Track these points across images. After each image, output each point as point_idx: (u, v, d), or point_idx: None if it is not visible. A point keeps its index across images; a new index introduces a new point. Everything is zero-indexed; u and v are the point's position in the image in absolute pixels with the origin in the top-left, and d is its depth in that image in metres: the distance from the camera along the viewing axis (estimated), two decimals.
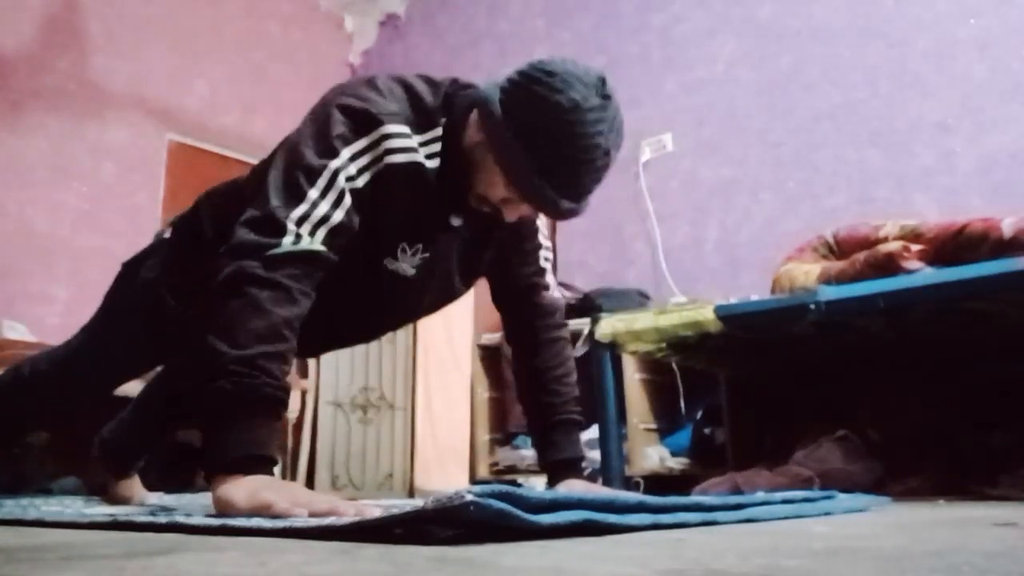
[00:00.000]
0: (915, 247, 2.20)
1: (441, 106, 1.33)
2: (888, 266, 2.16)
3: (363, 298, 1.38)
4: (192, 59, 4.84)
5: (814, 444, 2.35)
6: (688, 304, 2.60)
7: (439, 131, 1.31)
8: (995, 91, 3.07)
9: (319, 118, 1.27)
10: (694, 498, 1.14)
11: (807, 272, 2.37)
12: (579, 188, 1.26)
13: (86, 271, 4.03)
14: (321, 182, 1.20)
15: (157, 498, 1.87)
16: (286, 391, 1.11)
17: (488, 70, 5.08)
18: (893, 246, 2.20)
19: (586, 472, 1.58)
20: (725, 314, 2.30)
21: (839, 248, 2.47)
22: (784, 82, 3.61)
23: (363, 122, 1.25)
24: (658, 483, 2.96)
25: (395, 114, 1.27)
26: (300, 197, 1.19)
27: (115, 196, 4.37)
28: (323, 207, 1.19)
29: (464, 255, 1.45)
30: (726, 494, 1.87)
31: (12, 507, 1.49)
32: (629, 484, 2.80)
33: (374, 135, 1.24)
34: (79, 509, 1.42)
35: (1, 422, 1.67)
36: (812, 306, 2.14)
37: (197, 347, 1.12)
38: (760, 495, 1.28)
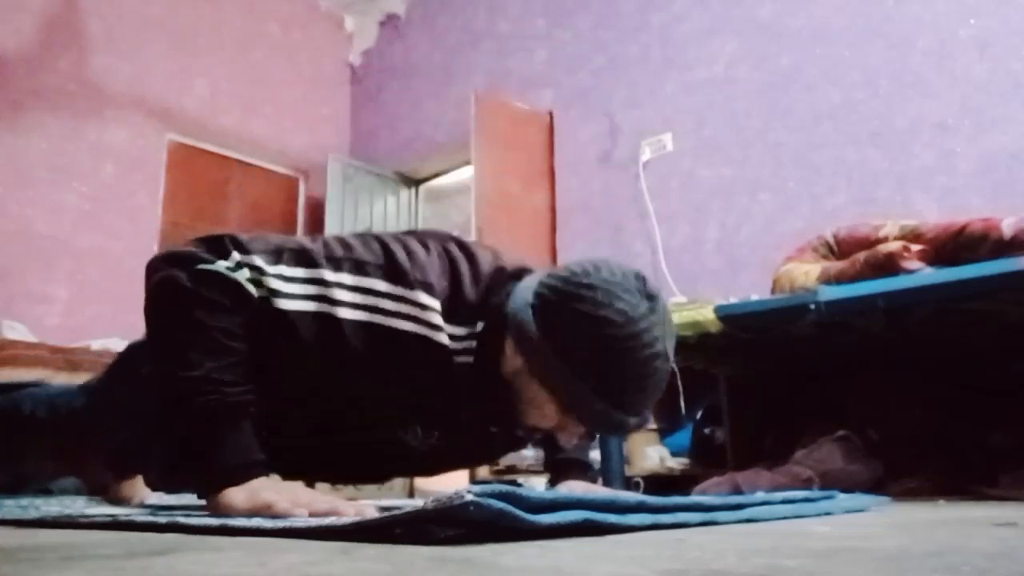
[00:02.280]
0: (915, 247, 2.20)
1: (480, 304, 1.19)
2: (888, 266, 2.16)
3: (377, 453, 1.31)
4: (192, 59, 4.85)
5: (814, 444, 2.35)
6: (688, 304, 2.60)
7: (476, 329, 1.18)
8: (995, 91, 3.07)
9: (358, 238, 1.18)
10: (694, 498, 1.14)
11: (807, 272, 2.37)
12: (645, 403, 1.14)
13: (86, 271, 4.03)
14: (300, 270, 1.11)
15: (157, 498, 1.87)
16: (247, 391, 1.08)
17: (488, 70, 5.11)
18: (893, 246, 2.20)
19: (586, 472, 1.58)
20: (725, 314, 2.30)
21: (839, 248, 2.47)
22: (784, 82, 3.61)
23: (399, 276, 1.13)
24: (658, 483, 2.95)
25: (434, 290, 1.14)
26: (273, 259, 1.11)
27: (115, 196, 4.37)
28: (277, 282, 1.10)
29: (486, 435, 1.34)
30: (726, 494, 1.87)
31: (12, 507, 1.48)
32: (629, 484, 2.80)
33: (405, 293, 1.12)
34: (79, 509, 1.42)
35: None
36: (812, 306, 2.14)
37: (153, 374, 1.11)
38: (760, 495, 1.28)
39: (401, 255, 1.15)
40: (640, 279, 1.13)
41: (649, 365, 1.10)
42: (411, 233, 1.25)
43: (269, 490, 1.01)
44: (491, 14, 4.93)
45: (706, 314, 2.32)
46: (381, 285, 1.12)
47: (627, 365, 1.09)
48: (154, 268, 1.13)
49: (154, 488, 1.91)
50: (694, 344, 2.50)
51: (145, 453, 1.83)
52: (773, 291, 2.45)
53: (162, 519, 0.95)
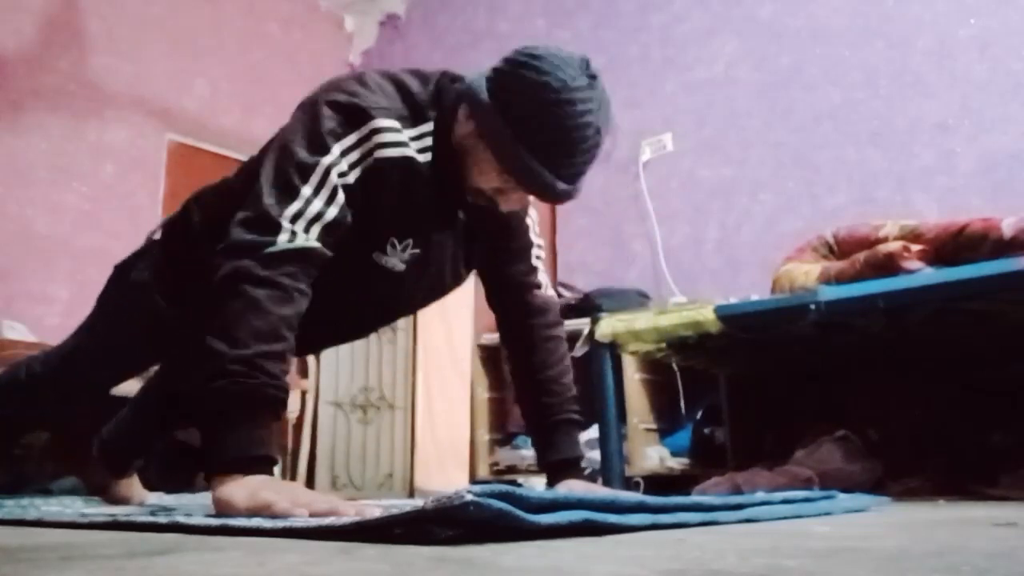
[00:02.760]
0: (915, 247, 2.20)
1: (431, 100, 1.32)
2: (888, 266, 2.16)
3: (352, 292, 1.37)
4: (192, 59, 4.85)
5: (814, 444, 2.36)
6: (688, 304, 2.60)
7: (430, 125, 1.30)
8: (995, 91, 3.07)
9: (308, 114, 1.27)
10: (694, 498, 1.14)
11: (807, 272, 2.37)
12: (573, 168, 1.25)
13: (86, 271, 4.03)
14: (314, 179, 1.20)
15: (157, 498, 1.87)
16: (285, 390, 1.11)
17: None
18: (893, 246, 2.20)
19: (586, 472, 1.57)
20: (725, 314, 2.30)
21: (839, 248, 2.47)
22: (784, 82, 3.61)
23: (352, 117, 1.24)
24: (658, 483, 2.95)
25: (385, 108, 1.26)
26: (293, 194, 1.19)
27: (115, 196, 4.37)
28: (317, 204, 1.19)
29: (456, 250, 1.44)
30: (726, 494, 1.87)
31: (12, 507, 1.48)
32: (629, 484, 2.80)
33: (364, 130, 1.24)
34: (79, 509, 1.42)
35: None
36: (812, 306, 2.14)
37: (196, 347, 1.12)
38: (760, 495, 1.28)
39: (346, 100, 1.25)
40: (584, 61, 1.24)
41: (581, 131, 1.21)
42: (346, 79, 1.34)
43: (269, 490, 1.01)
44: (491, 14, 4.93)
45: (706, 314, 2.32)
46: (353, 137, 1.24)
47: (560, 128, 1.20)
48: (215, 265, 1.16)
49: (154, 488, 1.91)
50: (694, 344, 2.50)
51: (145, 453, 1.84)
52: (773, 291, 2.45)
53: (162, 519, 0.95)
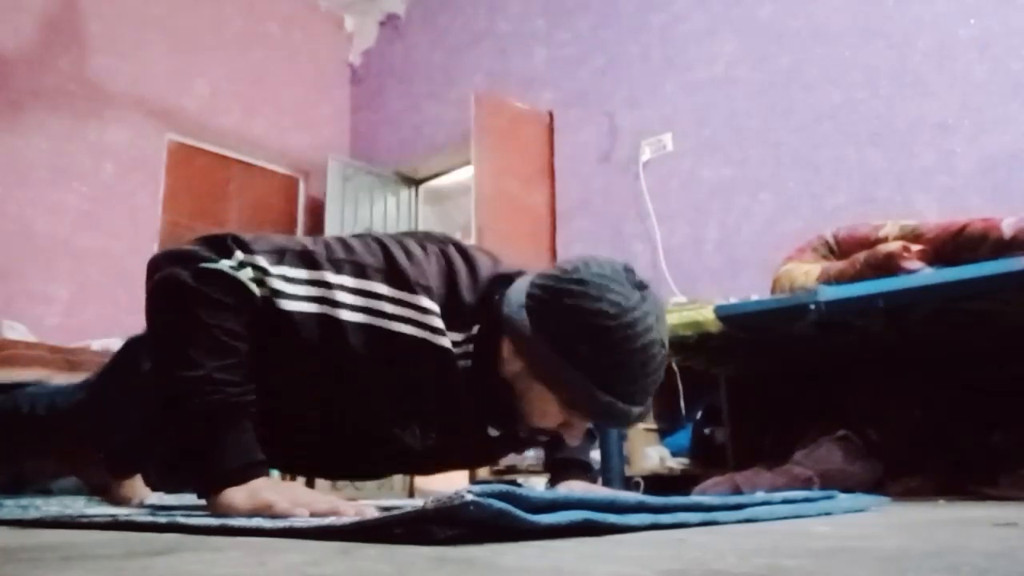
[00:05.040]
0: (915, 247, 2.20)
1: (478, 305, 1.20)
2: (888, 266, 2.16)
3: (370, 449, 1.30)
4: (192, 59, 4.85)
5: (814, 444, 2.36)
6: (688, 304, 2.60)
7: (473, 332, 1.19)
8: (995, 91, 3.07)
9: (363, 241, 1.19)
10: (694, 498, 1.14)
11: (807, 272, 2.37)
12: (645, 391, 1.15)
13: (86, 271, 4.03)
14: (303, 271, 1.12)
15: (157, 498, 1.87)
16: (249, 391, 1.08)
17: (488, 70, 5.10)
18: (893, 246, 2.20)
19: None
20: (725, 314, 2.30)
21: (839, 248, 2.47)
22: (784, 82, 3.61)
23: (399, 276, 1.14)
24: (658, 483, 2.95)
25: (434, 293, 1.15)
26: (275, 259, 1.11)
27: (115, 196, 4.37)
28: (280, 282, 1.10)
29: (487, 450, 1.37)
30: (726, 494, 1.87)
31: (12, 507, 1.48)
32: (629, 484, 2.80)
33: (406, 294, 1.13)
34: (79, 509, 1.42)
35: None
36: (812, 306, 2.14)
37: (154, 373, 1.10)
38: (760, 495, 1.28)
39: (401, 258, 1.15)
40: (629, 271, 1.15)
41: (647, 352, 1.12)
42: (410, 235, 1.25)
43: (269, 490, 1.01)
44: (491, 14, 4.93)
45: (706, 314, 2.32)
46: (382, 288, 1.13)
47: (625, 354, 1.10)
48: (156, 267, 1.13)
49: (154, 488, 1.91)
50: (694, 344, 2.50)
51: (145, 453, 1.83)
52: (773, 291, 2.45)
53: (162, 519, 0.95)
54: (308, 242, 1.17)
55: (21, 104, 4.10)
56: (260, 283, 1.10)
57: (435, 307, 1.14)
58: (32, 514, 1.21)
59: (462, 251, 1.25)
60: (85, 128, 4.30)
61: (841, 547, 0.70)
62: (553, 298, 1.12)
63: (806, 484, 2.13)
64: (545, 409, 1.16)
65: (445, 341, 1.15)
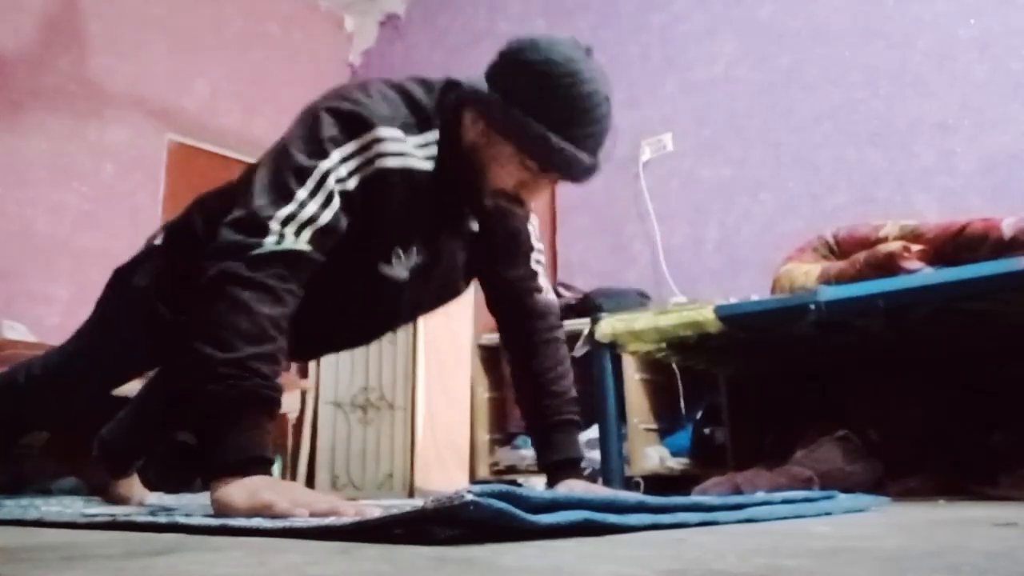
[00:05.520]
0: (915, 247, 2.20)
1: (436, 107, 1.32)
2: (888, 266, 2.16)
3: (356, 302, 1.37)
4: (192, 59, 4.84)
5: (814, 444, 2.35)
6: (688, 304, 2.60)
7: (436, 133, 1.30)
8: (995, 91, 3.07)
9: (309, 121, 1.27)
10: (694, 498, 1.14)
11: (807, 272, 2.37)
12: (593, 138, 1.26)
13: (86, 271, 4.03)
14: (310, 183, 1.20)
15: (157, 498, 1.87)
16: (278, 390, 1.11)
17: None
18: (893, 246, 2.20)
19: (586, 472, 1.58)
20: (725, 314, 2.30)
21: (839, 248, 2.47)
22: (784, 82, 3.61)
23: (354, 125, 1.24)
24: (658, 483, 2.95)
25: (388, 117, 1.26)
26: (288, 197, 1.18)
27: (115, 196, 4.37)
28: (311, 207, 1.19)
29: (461, 257, 1.45)
30: (726, 494, 1.87)
31: (12, 507, 1.48)
32: (629, 484, 2.80)
33: (365, 138, 1.24)
34: (79, 509, 1.42)
35: None
36: (812, 306, 2.14)
37: (185, 352, 1.12)
38: (760, 495, 1.28)
39: (347, 108, 1.25)
40: (574, 39, 1.27)
41: (592, 100, 1.23)
42: (349, 87, 1.33)
43: (269, 490, 1.01)
44: (491, 14, 4.93)
45: (706, 314, 2.32)
46: (353, 145, 1.23)
47: (572, 98, 1.22)
48: (204, 266, 1.15)
49: (153, 488, 1.91)
50: (694, 344, 2.50)
51: (145, 453, 1.84)
52: (773, 291, 2.45)
53: (162, 519, 0.95)
54: (290, 160, 1.22)
55: (21, 104, 4.09)
56: (304, 225, 1.17)
57: (395, 132, 1.25)
58: (32, 514, 1.21)
59: (409, 77, 1.38)
60: (85, 128, 4.30)
61: (841, 547, 0.70)
62: (506, 59, 1.26)
63: (806, 484, 2.13)
64: (504, 164, 1.28)
65: (412, 161, 1.26)
